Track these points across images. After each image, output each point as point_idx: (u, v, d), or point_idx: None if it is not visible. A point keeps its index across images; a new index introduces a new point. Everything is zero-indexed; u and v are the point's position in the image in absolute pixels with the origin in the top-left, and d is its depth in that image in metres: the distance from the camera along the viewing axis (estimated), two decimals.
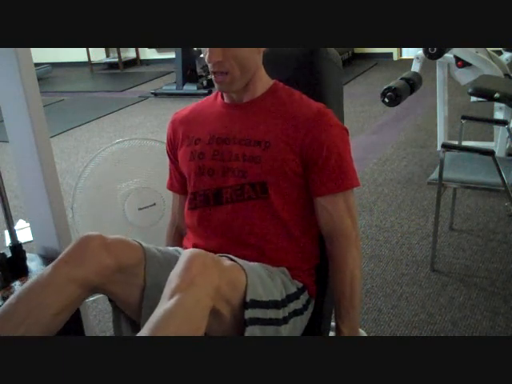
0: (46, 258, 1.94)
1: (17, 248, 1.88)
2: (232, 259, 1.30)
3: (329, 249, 1.47)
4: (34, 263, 1.92)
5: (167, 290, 1.17)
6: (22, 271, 1.86)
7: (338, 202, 1.42)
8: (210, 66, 1.41)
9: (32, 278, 1.32)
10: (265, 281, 1.33)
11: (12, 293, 1.75)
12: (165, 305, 1.15)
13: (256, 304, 1.27)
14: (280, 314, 1.33)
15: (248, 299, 1.25)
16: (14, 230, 1.93)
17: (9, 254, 1.86)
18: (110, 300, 1.44)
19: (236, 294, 1.25)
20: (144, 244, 1.42)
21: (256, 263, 1.38)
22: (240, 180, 1.42)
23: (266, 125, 1.43)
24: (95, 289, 1.35)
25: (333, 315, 1.67)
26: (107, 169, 2.07)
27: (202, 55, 1.49)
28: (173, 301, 1.14)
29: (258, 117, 1.45)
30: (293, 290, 1.42)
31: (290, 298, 1.40)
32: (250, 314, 1.25)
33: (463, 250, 2.71)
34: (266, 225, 1.43)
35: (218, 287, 1.19)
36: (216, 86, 1.45)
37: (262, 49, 1.43)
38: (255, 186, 1.41)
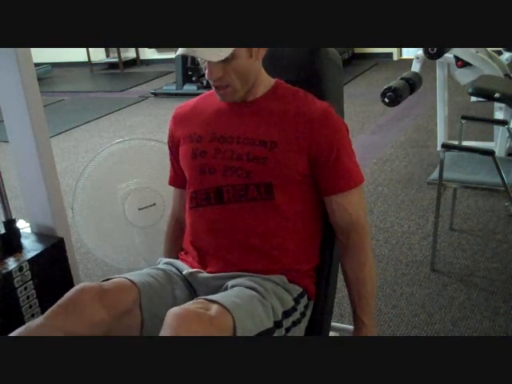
0: (41, 235, 1.95)
1: (10, 224, 1.87)
2: (217, 302, 1.26)
3: (345, 243, 1.47)
4: (28, 240, 1.93)
5: None
6: (16, 247, 1.87)
7: (353, 197, 1.44)
8: (211, 82, 1.41)
9: (21, 327, 1.28)
10: (254, 312, 1.29)
11: (6, 268, 1.76)
12: None
13: None
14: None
15: None
16: (8, 206, 1.92)
17: (3, 231, 1.87)
18: None
19: (226, 335, 1.22)
20: (137, 279, 1.39)
21: (246, 289, 1.35)
22: (244, 180, 1.41)
23: (270, 124, 1.42)
24: None
25: (333, 315, 1.67)
26: (107, 169, 2.07)
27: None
28: None
29: (261, 116, 1.44)
30: (290, 304, 1.40)
31: (287, 313, 1.38)
32: None
33: (463, 250, 2.71)
34: (269, 225, 1.42)
35: None
36: (218, 97, 1.45)
37: (261, 55, 1.41)
38: (260, 186, 1.41)
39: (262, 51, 1.41)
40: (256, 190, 1.41)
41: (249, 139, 1.42)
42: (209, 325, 1.19)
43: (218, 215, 1.44)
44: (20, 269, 1.78)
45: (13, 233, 1.88)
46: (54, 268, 1.92)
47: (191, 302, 1.27)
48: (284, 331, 1.35)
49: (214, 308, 1.23)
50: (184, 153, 1.52)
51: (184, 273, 1.47)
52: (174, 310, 1.20)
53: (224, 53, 1.32)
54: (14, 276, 1.76)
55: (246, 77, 1.40)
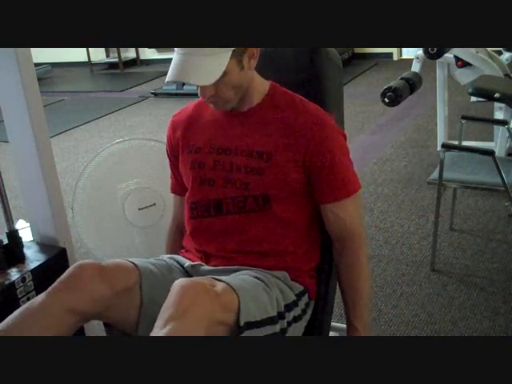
0: (43, 245, 1.94)
1: (13, 234, 1.87)
2: (224, 281, 1.27)
3: (339, 250, 1.47)
4: (30, 250, 1.92)
5: (160, 320, 1.16)
6: (18, 258, 1.86)
7: (348, 206, 1.43)
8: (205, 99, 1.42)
9: (23, 305, 1.30)
10: (259, 298, 1.31)
11: (8, 279, 1.75)
12: (157, 334, 1.13)
13: (251, 325, 1.26)
14: (277, 327, 1.32)
15: (242, 323, 1.24)
16: (11, 216, 1.92)
17: (6, 241, 1.85)
18: (105, 325, 1.43)
19: (230, 315, 1.24)
20: (138, 262, 1.40)
21: (251, 277, 1.36)
22: (242, 192, 1.41)
23: (266, 134, 1.42)
24: (90, 317, 1.34)
25: (333, 315, 1.67)
26: (107, 169, 2.07)
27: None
28: (165, 330, 1.13)
29: (257, 126, 1.44)
30: (292, 298, 1.41)
31: (289, 307, 1.39)
32: (246, 336, 1.25)
33: (463, 250, 2.71)
34: (269, 234, 1.43)
35: (211, 315, 1.18)
36: (213, 107, 1.45)
37: (253, 64, 1.40)
38: (258, 198, 1.41)
39: (254, 61, 1.40)
40: (254, 202, 1.41)
41: (246, 151, 1.42)
42: (214, 299, 1.20)
43: (218, 226, 1.45)
44: (23, 279, 1.77)
45: (16, 243, 1.87)
46: (57, 278, 1.91)
47: (197, 277, 1.28)
48: (286, 324, 1.35)
49: (221, 286, 1.25)
50: (183, 163, 1.53)
51: (186, 265, 1.47)
52: (181, 280, 1.22)
53: (215, 74, 1.31)
54: (17, 287, 1.75)
55: (239, 87, 1.40)
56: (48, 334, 1.26)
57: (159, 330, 1.14)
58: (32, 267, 1.82)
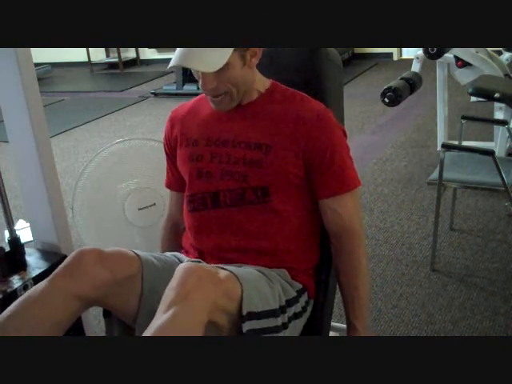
0: (45, 252, 1.94)
1: (15, 242, 1.87)
2: (227, 269, 1.28)
3: (338, 248, 1.47)
4: (32, 257, 1.92)
5: (162, 305, 1.17)
6: (20, 265, 1.86)
7: (347, 202, 1.43)
8: (205, 93, 1.41)
9: (25, 293, 1.31)
10: (262, 290, 1.31)
11: (10, 287, 1.75)
12: (159, 319, 1.14)
13: (253, 316, 1.26)
14: (279, 321, 1.32)
15: (244, 312, 1.24)
16: (13, 224, 1.92)
17: (7, 249, 1.86)
18: (105, 316, 1.44)
19: (233, 304, 1.24)
20: (141, 253, 1.41)
21: (254, 270, 1.37)
22: (241, 184, 1.41)
23: (265, 128, 1.42)
24: (92, 303, 1.35)
25: (333, 315, 1.67)
26: (107, 169, 2.07)
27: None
28: (167, 315, 1.13)
29: (256, 119, 1.44)
30: (292, 294, 1.41)
31: (290, 303, 1.39)
32: (247, 326, 1.25)
33: (463, 250, 2.71)
34: (267, 228, 1.43)
35: (214, 300, 1.18)
36: (213, 105, 1.45)
37: (255, 62, 1.41)
38: (257, 190, 1.41)
39: (255, 59, 1.40)
40: (253, 194, 1.41)
41: (244, 142, 1.42)
42: (218, 285, 1.21)
43: (215, 219, 1.45)
44: (25, 287, 1.76)
45: (17, 251, 1.87)
46: None
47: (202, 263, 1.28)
48: (287, 319, 1.36)
49: (225, 273, 1.25)
50: (181, 157, 1.52)
51: (185, 261, 1.47)
52: (186, 263, 1.23)
53: (218, 63, 1.31)
54: (19, 294, 1.72)
55: (240, 86, 1.39)
56: (50, 321, 1.27)
57: (162, 315, 1.14)
58: (34, 275, 1.82)
